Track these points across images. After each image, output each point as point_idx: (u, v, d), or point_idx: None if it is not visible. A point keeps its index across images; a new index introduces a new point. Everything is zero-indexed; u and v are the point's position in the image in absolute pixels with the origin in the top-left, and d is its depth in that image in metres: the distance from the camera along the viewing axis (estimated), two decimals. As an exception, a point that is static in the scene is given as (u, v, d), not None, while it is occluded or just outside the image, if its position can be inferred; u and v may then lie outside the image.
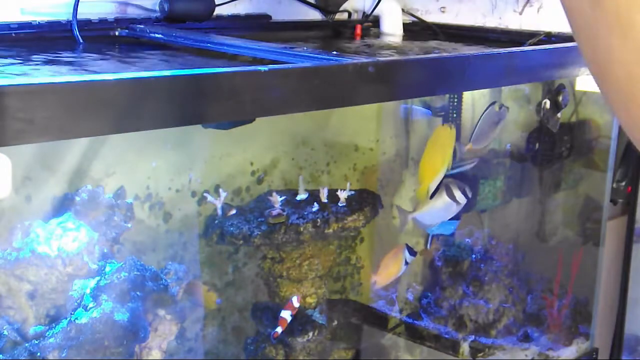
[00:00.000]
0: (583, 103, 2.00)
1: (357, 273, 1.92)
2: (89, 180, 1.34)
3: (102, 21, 1.27)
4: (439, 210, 1.65)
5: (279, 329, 1.45)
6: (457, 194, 1.61)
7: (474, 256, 1.87)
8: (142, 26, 1.28)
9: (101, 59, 1.13)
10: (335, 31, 1.67)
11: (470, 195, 1.65)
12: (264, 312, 1.53)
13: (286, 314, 1.45)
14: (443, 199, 1.62)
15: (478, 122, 1.68)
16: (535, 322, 1.93)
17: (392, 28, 1.67)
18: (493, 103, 1.69)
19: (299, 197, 1.53)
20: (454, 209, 1.64)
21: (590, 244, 2.01)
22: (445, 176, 1.60)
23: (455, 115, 1.88)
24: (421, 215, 1.66)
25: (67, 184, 1.32)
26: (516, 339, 1.85)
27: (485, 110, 1.68)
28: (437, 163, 1.58)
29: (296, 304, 1.46)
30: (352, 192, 1.52)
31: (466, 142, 1.69)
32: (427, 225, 1.71)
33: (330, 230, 1.44)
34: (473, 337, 1.78)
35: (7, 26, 1.17)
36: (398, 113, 1.91)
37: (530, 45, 1.49)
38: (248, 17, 1.51)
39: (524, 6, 1.73)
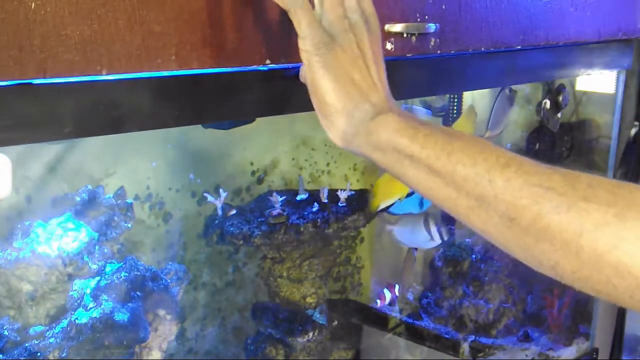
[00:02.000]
0: (583, 103, 2.00)
1: (357, 273, 1.92)
2: (89, 180, 1.34)
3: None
4: (415, 235, 1.64)
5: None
6: (433, 230, 1.61)
7: (474, 256, 1.87)
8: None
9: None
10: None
11: (446, 237, 1.64)
12: (264, 312, 1.53)
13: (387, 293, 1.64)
14: (419, 225, 1.62)
15: (492, 109, 1.69)
16: (535, 322, 1.93)
17: None
18: (503, 88, 1.70)
19: (299, 197, 1.53)
20: (427, 243, 1.64)
21: (590, 244, 2.01)
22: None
23: (455, 115, 1.88)
24: (399, 231, 1.66)
25: (67, 184, 1.32)
26: (516, 339, 1.85)
27: (498, 96, 1.69)
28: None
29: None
30: (352, 192, 1.52)
31: (484, 131, 1.70)
32: (400, 242, 1.71)
33: (330, 230, 1.44)
34: (473, 337, 1.78)
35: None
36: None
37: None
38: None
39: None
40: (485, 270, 1.85)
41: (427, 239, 1.62)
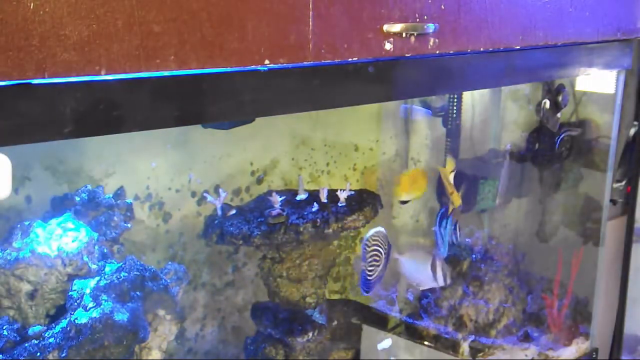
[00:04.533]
0: (583, 103, 2.00)
1: (357, 273, 1.92)
2: (89, 180, 1.34)
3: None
4: (420, 272, 1.65)
5: None
6: (438, 272, 1.62)
7: (474, 256, 1.87)
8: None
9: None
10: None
11: (448, 282, 1.66)
12: (264, 312, 1.53)
13: None
14: (426, 265, 1.63)
15: (500, 179, 1.82)
16: (535, 322, 1.93)
17: None
18: (506, 156, 1.82)
19: (298, 197, 1.53)
20: (430, 283, 1.64)
21: (590, 243, 2.01)
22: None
23: (455, 115, 1.88)
24: (405, 262, 1.66)
25: (67, 184, 1.32)
26: (516, 339, 1.85)
27: (504, 166, 1.79)
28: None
29: None
30: (352, 192, 1.52)
31: (496, 198, 1.83)
32: (403, 274, 1.70)
33: (330, 230, 1.44)
34: (473, 337, 1.78)
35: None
36: (398, 113, 1.91)
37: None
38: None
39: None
40: (485, 270, 1.85)
41: (430, 278, 1.62)
